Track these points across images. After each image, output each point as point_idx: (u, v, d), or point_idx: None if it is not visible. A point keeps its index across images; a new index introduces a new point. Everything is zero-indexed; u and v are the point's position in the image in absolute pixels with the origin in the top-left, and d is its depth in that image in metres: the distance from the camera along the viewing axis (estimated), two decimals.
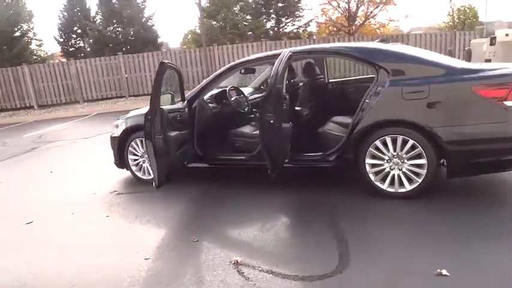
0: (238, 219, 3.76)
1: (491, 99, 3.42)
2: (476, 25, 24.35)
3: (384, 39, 5.26)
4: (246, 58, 4.88)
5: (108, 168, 5.74)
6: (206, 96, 4.96)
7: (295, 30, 22.47)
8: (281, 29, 22.37)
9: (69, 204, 4.62)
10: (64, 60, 20.75)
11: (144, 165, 5.12)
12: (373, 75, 3.96)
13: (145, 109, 5.55)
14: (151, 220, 3.94)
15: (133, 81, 17.42)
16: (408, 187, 3.78)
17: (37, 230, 4.01)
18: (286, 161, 4.02)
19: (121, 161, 5.29)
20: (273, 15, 22.31)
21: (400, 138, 3.73)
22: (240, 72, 5.16)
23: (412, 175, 3.75)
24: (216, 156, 4.74)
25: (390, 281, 2.55)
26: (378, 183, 3.90)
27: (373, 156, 3.89)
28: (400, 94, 3.70)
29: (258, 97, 5.70)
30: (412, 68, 3.75)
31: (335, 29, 23.33)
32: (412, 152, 3.70)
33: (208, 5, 19.96)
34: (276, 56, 4.42)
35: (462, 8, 25.06)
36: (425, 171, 3.67)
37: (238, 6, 20.55)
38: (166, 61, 4.03)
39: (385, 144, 3.81)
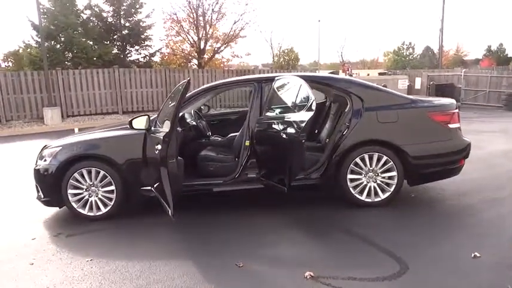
0: (258, 240, 3.74)
1: (440, 122, 4.47)
2: (297, 66, 29.13)
3: (333, 72, 6.02)
4: (226, 80, 4.92)
5: (13, 208, 4.92)
6: None
7: (142, 59, 22.02)
8: (127, 57, 21.60)
9: (18, 254, 3.66)
10: None
11: (91, 199, 4.44)
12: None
13: (86, 135, 4.88)
14: (156, 255, 3.51)
15: None
16: (382, 196, 4.48)
17: None
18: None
19: (55, 197, 4.45)
20: (117, 42, 21.39)
21: (376, 155, 4.43)
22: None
23: (385, 186, 4.47)
24: (185, 182, 4.51)
25: (453, 266, 3.09)
26: (357, 195, 4.48)
27: (352, 171, 4.47)
28: (376, 118, 4.43)
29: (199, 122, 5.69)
30: (383, 97, 4.55)
31: (184, 60, 23.94)
32: (385, 167, 4.44)
33: (45, 23, 17.75)
34: (255, 80, 4.67)
35: (286, 51, 29.57)
36: (395, 181, 4.45)
37: (80, 29, 18.94)
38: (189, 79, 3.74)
39: (362, 160, 4.45)
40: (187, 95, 4.72)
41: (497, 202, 4.53)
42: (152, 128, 4.23)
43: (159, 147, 3.63)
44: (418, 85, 17.38)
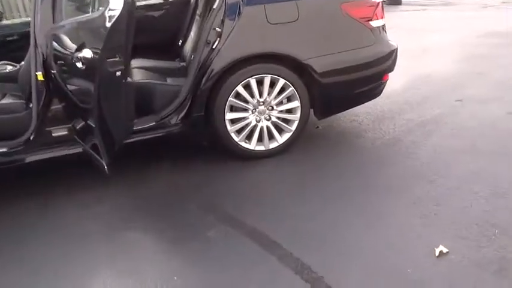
0: (67, 250, 1.97)
1: (359, 19, 2.89)
2: None
3: None
4: None
5: None
6: None
7: None
8: None
9: None
10: None
11: None
12: None
13: None
14: None
15: None
16: (280, 140, 2.94)
17: None
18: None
19: None
20: None
21: (267, 79, 2.76)
22: None
23: (284, 124, 2.92)
24: None
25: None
26: (243, 144, 2.88)
27: (233, 108, 2.81)
28: (264, 17, 2.66)
29: None
30: None
31: None
32: (283, 95, 2.84)
33: None
34: None
35: None
36: (298, 115, 2.91)
37: None
38: None
39: (247, 88, 2.77)
40: None
41: (427, 128, 3.31)
42: None
43: None
44: None
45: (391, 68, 3.12)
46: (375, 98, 3.23)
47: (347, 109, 3.26)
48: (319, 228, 2.17)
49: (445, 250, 1.85)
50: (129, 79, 2.17)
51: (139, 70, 3.13)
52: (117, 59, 1.71)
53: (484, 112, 3.54)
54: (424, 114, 3.61)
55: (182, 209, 2.46)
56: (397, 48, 3.14)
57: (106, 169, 2.05)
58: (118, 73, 1.74)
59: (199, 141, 2.94)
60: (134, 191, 2.66)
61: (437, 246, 1.88)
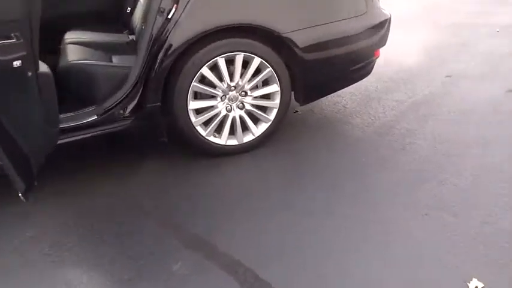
0: None
1: None
2: None
3: None
4: None
5: None
6: None
7: None
8: None
9: None
10: None
11: None
12: None
13: None
14: None
15: None
16: (257, 132, 2.43)
17: None
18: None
19: None
20: None
21: (240, 57, 2.21)
22: None
23: (260, 112, 2.40)
24: None
25: None
26: (211, 138, 2.34)
27: (197, 95, 2.25)
28: None
29: None
30: None
31: None
32: (259, 77, 2.30)
33: None
34: None
35: None
36: (277, 102, 2.39)
37: None
38: None
39: (214, 70, 2.22)
40: None
41: (420, 111, 2.89)
42: None
43: None
44: None
45: (383, 42, 2.65)
46: (364, 78, 2.75)
47: (333, 92, 2.77)
48: (308, 249, 1.73)
49: (480, 285, 1.45)
50: (44, 68, 1.53)
51: (74, 46, 2.46)
52: (12, 40, 1.09)
53: (479, 91, 3.16)
54: (413, 94, 3.19)
55: (135, 228, 1.92)
56: (390, 18, 2.65)
57: (23, 198, 1.46)
58: (17, 63, 1.12)
59: (157, 137, 2.35)
60: (69, 204, 2.07)
61: (470, 279, 1.47)
